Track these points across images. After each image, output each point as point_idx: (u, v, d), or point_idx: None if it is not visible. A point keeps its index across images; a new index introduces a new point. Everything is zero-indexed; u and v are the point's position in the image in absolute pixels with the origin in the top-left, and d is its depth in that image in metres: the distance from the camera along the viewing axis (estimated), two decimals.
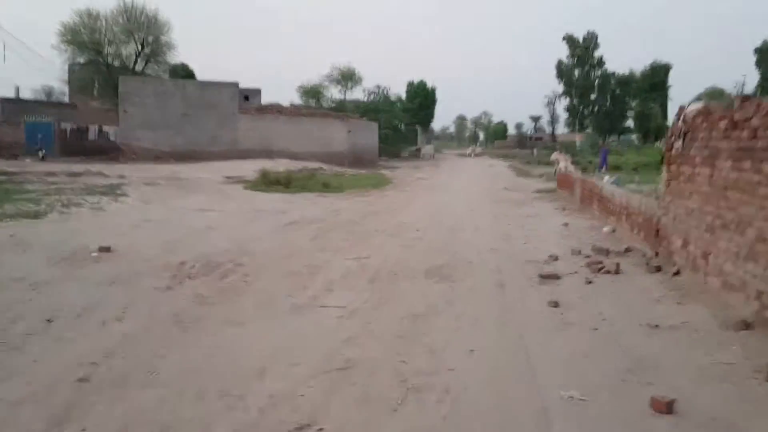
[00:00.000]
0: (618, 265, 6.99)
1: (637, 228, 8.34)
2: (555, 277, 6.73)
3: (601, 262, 7.27)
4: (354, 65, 61.61)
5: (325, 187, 18.60)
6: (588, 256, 7.83)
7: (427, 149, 61.19)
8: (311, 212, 12.40)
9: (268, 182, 18.88)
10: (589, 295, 5.95)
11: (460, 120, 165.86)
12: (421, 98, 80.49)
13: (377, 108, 53.40)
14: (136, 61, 39.69)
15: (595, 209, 11.52)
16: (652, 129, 77.90)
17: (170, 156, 31.16)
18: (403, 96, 70.63)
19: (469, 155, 66.97)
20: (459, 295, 5.91)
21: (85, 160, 32.00)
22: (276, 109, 33.58)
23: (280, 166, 27.95)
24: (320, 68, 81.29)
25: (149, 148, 31.13)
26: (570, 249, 8.28)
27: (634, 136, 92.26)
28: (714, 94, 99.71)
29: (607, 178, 14.71)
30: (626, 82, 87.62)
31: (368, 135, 39.39)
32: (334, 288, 6.15)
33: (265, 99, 40.12)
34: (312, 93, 55.99)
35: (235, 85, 33.00)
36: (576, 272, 6.96)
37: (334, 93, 59.54)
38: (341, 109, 52.27)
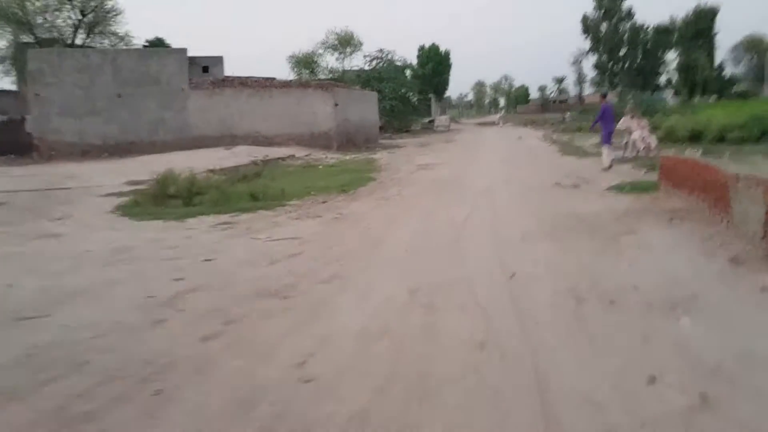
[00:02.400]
0: None
1: None
2: None
3: None
4: (353, 30, 53.39)
5: (254, 199, 11.07)
6: None
7: (442, 120, 53.01)
8: (99, 314, 4.88)
9: (167, 195, 11.41)
10: None
11: (479, 86, 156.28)
12: (434, 63, 71.93)
13: (381, 76, 45.39)
14: (75, 33, 32.35)
15: None
16: (698, 82, 68.55)
17: (102, 150, 23.91)
18: (414, 62, 62.31)
19: (497, 124, 57.70)
20: None
21: (10, 161, 25.08)
22: (238, 81, 25.94)
23: (235, 156, 20.53)
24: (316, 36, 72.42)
25: (73, 142, 23.85)
26: None
27: (669, 93, 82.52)
28: (753, 43, 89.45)
29: None
30: (666, 31, 77.74)
31: (364, 108, 31.58)
32: None
33: (257, 74, 32.49)
34: (305, 63, 48.15)
35: (183, 51, 25.40)
36: None
37: (331, 62, 51.73)
38: (340, 80, 44.58)
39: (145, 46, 38.59)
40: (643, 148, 15.45)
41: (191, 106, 25.21)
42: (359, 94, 32.00)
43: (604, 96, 16.10)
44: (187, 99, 25.14)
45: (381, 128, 45.33)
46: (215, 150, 22.20)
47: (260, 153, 21.43)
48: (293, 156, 21.77)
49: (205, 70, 28.90)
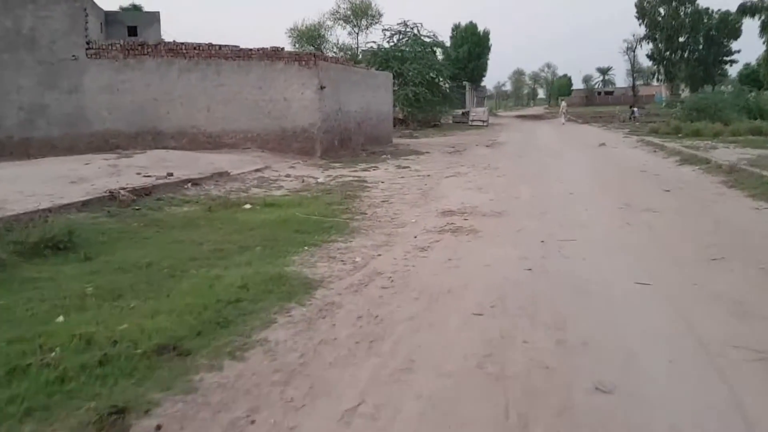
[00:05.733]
0: None
1: None
2: None
3: None
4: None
5: None
6: None
7: (478, 113, 43.04)
8: None
9: None
10: None
11: (518, 75, 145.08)
12: (471, 45, 61.81)
13: (403, 56, 35.83)
14: None
15: None
16: None
17: None
18: (446, 41, 52.22)
19: (560, 119, 44.18)
20: None
21: None
22: (167, 48, 16.66)
23: (112, 175, 11.35)
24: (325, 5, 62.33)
25: None
26: None
27: (727, 87, 70.49)
28: None
29: None
30: (751, 10, 65.84)
31: (370, 94, 22.04)
32: None
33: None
34: (309, 37, 38.77)
35: None
36: None
37: (343, 37, 42.31)
38: (354, 59, 35.19)
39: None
40: None
41: (90, 85, 16.04)
42: (363, 75, 22.41)
43: None
44: (83, 73, 15.98)
45: (402, 121, 35.84)
46: (91, 161, 12.97)
47: (164, 168, 12.14)
48: (225, 174, 12.39)
49: (132, 32, 19.72)
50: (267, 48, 17.16)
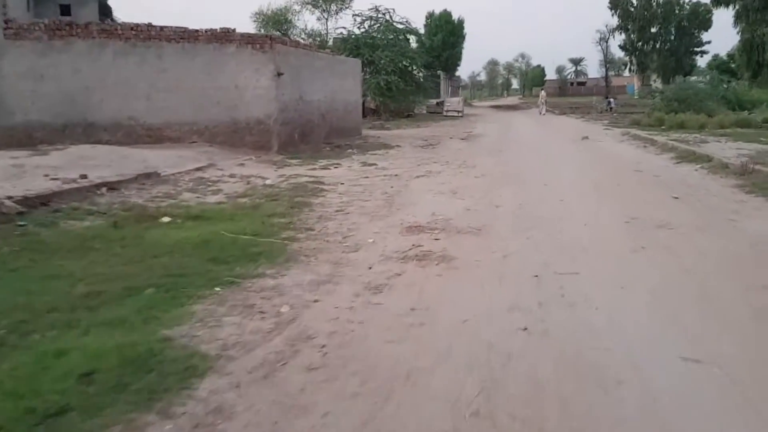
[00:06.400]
0: None
1: None
2: None
3: None
4: None
5: None
6: None
7: (453, 103, 41.47)
8: None
9: None
10: None
11: (492, 65, 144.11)
12: (445, 33, 60.26)
13: (375, 42, 34.02)
14: None
15: None
16: (765, 63, 56.53)
17: None
18: (420, 29, 50.35)
19: (539, 109, 41.08)
20: None
21: None
22: (99, 29, 14.60)
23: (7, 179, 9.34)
24: None
25: None
26: None
27: (705, 77, 69.86)
28: None
29: None
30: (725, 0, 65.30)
31: (335, 82, 20.20)
32: None
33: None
34: (275, 22, 36.61)
35: None
36: None
37: (311, 22, 40.27)
38: (322, 47, 33.29)
39: None
40: None
41: (8, 70, 13.94)
42: (328, 61, 20.53)
43: None
44: (0, 57, 13.88)
45: (374, 111, 34.11)
46: (24, 153, 10.97)
47: (83, 168, 10.22)
48: (154, 176, 10.52)
49: (65, 12, 17.52)
50: (216, 29, 15.20)
